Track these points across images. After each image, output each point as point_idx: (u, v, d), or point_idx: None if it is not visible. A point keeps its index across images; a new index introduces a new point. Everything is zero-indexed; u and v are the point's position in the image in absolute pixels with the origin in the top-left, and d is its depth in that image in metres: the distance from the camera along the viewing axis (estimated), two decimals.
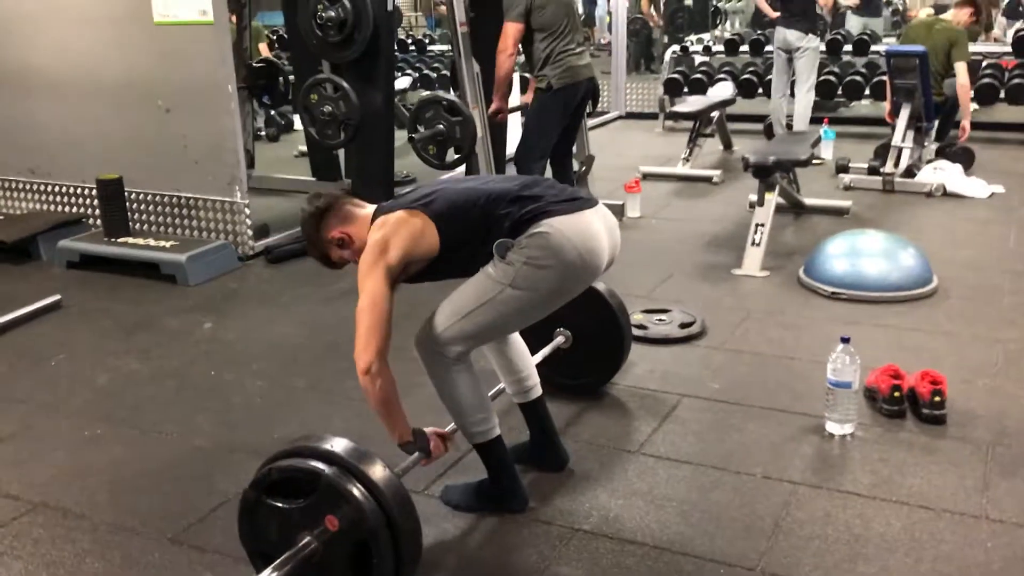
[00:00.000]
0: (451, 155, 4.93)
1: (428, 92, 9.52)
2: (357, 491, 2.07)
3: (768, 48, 9.28)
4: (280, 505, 2.14)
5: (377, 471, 2.11)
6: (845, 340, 2.98)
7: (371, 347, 2.32)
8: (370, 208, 2.56)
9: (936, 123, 6.89)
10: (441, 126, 4.80)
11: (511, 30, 4.82)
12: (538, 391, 2.79)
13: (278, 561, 2.05)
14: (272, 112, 9.39)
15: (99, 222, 5.32)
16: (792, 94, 7.66)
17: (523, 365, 2.76)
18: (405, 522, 2.10)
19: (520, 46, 5.05)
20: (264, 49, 8.55)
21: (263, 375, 3.66)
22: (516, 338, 2.76)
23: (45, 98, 5.54)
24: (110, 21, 5.19)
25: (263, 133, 9.16)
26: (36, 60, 5.50)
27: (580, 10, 16.01)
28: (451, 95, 4.97)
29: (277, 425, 3.22)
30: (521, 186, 2.47)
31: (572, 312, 2.81)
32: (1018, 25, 10.36)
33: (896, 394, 3.08)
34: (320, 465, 2.11)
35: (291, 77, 6.46)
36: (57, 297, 4.52)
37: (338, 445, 2.15)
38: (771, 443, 2.97)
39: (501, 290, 2.38)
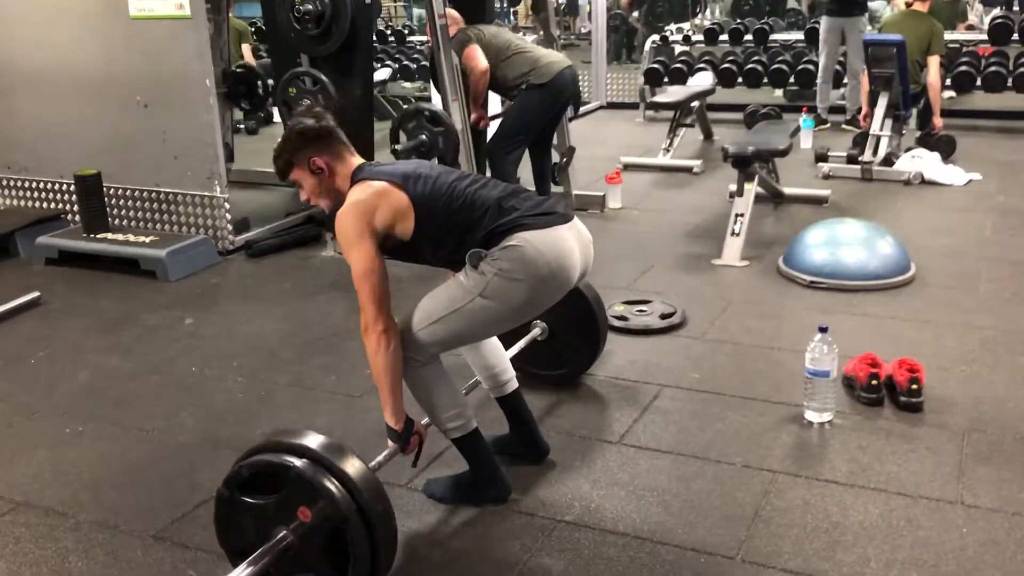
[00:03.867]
0: None
1: (410, 104, 9.55)
2: (327, 480, 2.09)
3: (747, 37, 9.34)
4: (253, 501, 2.15)
5: (344, 460, 2.14)
6: (823, 329, 3.01)
7: (383, 309, 2.35)
8: (356, 160, 2.55)
9: (914, 112, 6.95)
10: (424, 137, 4.81)
11: (471, 51, 4.92)
12: (513, 384, 2.80)
13: (254, 556, 2.07)
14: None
15: (78, 218, 5.29)
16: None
17: (496, 360, 2.77)
18: (376, 506, 2.12)
19: (492, 90, 5.23)
20: (247, 52, 8.49)
21: (245, 371, 3.66)
22: None
23: (22, 94, 5.49)
24: (86, 15, 5.15)
25: (242, 126, 9.10)
26: (12, 56, 5.45)
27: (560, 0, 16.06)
28: (433, 105, 4.99)
29: (260, 421, 3.22)
30: (501, 196, 2.47)
31: None
32: (995, 12, 10.44)
33: (874, 382, 3.12)
34: (290, 458, 2.13)
35: (270, 81, 6.54)
36: (36, 294, 4.50)
37: (306, 438, 2.17)
38: (751, 432, 3.00)
39: (471, 299, 2.40)
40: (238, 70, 6.71)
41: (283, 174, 2.54)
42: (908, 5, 7.06)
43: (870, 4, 8.26)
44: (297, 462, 2.11)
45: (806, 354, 3.02)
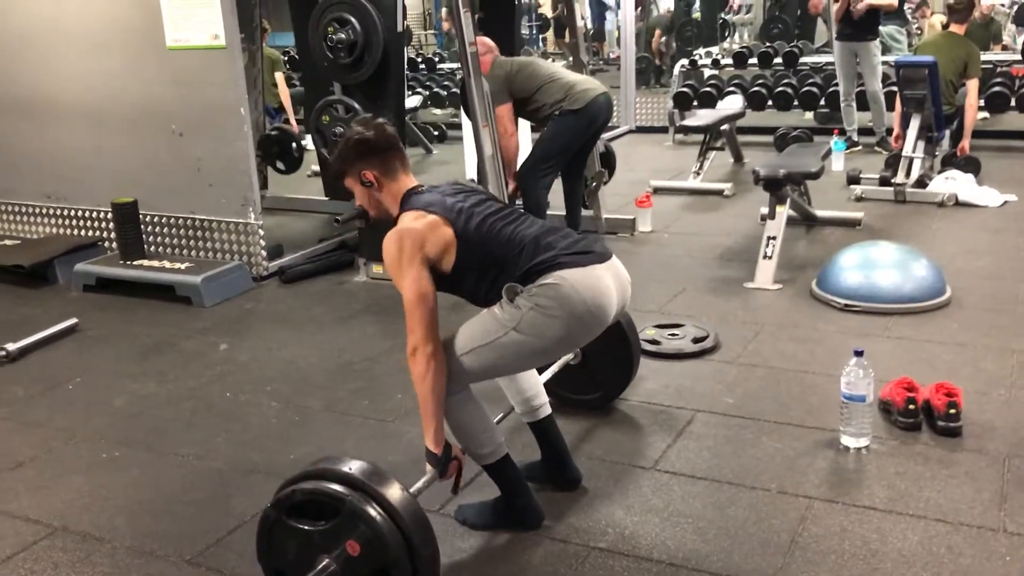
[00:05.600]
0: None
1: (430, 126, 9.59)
2: (380, 519, 2.08)
3: (776, 60, 9.33)
4: (301, 526, 2.15)
5: (399, 498, 2.13)
6: (859, 353, 2.97)
7: (432, 333, 2.37)
8: (410, 180, 2.56)
9: (947, 133, 6.89)
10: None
11: (503, 112, 4.95)
12: (547, 410, 2.80)
13: None
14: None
15: (115, 245, 5.37)
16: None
17: (530, 385, 2.77)
18: (425, 550, 2.12)
19: (526, 119, 5.26)
20: (280, 80, 8.64)
21: (279, 396, 3.69)
22: None
23: (60, 124, 5.60)
24: (123, 47, 5.25)
25: None
26: (51, 86, 5.57)
27: (589, 25, 16.11)
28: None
29: (293, 446, 3.24)
30: (539, 233, 2.48)
31: None
32: None
33: (911, 407, 3.08)
34: (344, 490, 2.12)
35: (304, 143, 6.86)
36: (74, 320, 4.56)
37: (361, 470, 2.17)
38: (786, 458, 2.97)
39: (505, 332, 2.40)
40: (272, 133, 7.01)
41: (336, 179, 2.63)
42: (944, 27, 7.02)
43: (882, 28, 8.23)
44: (352, 495, 2.10)
45: (841, 378, 2.98)
